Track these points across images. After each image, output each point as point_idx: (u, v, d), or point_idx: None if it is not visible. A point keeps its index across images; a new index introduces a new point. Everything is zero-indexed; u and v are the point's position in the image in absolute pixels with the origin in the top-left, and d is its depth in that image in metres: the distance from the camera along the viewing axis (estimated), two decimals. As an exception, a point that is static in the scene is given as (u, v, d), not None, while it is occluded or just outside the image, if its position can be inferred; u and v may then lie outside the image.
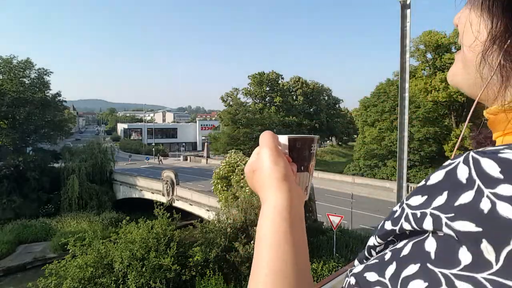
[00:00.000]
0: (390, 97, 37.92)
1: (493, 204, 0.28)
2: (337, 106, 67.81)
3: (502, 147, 0.32)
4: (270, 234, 0.49)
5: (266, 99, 58.92)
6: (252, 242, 13.69)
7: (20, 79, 32.34)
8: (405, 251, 0.33)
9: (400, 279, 0.31)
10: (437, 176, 0.33)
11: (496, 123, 0.41)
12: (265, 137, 0.58)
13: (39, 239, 24.55)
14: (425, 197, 0.33)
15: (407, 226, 0.34)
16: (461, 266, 0.28)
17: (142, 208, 25.53)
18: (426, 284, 0.29)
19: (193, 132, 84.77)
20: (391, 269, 0.33)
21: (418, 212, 0.33)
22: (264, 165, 0.55)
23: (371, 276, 0.34)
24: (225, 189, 19.82)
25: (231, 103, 51.77)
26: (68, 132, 43.96)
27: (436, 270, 0.29)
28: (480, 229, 0.27)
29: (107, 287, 11.91)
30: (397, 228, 0.35)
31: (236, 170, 19.68)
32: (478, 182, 0.30)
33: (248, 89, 58.16)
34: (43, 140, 35.37)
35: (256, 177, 0.57)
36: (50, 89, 35.10)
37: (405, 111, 7.37)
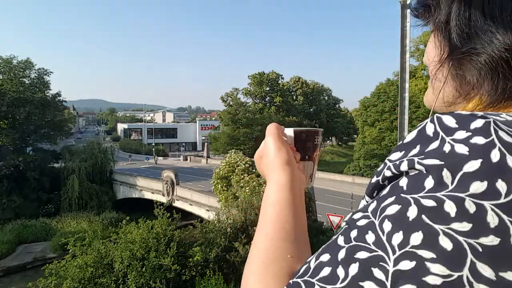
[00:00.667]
0: (390, 97, 37.93)
1: (452, 146, 0.37)
2: (337, 106, 67.82)
3: (460, 110, 0.42)
4: (275, 202, 0.57)
5: (266, 99, 58.91)
6: (252, 242, 13.69)
7: (20, 79, 32.34)
8: (384, 191, 0.41)
9: (379, 209, 0.39)
10: (411, 135, 0.42)
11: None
12: (271, 127, 0.66)
13: (39, 239, 24.54)
14: (403, 151, 0.41)
15: (388, 173, 0.42)
16: (426, 189, 0.36)
17: (142, 208, 25.52)
18: (400, 206, 0.37)
19: (193, 132, 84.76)
20: (372, 206, 0.41)
21: (397, 162, 0.41)
22: (269, 152, 0.63)
23: (357, 215, 0.42)
24: (225, 189, 19.83)
25: (231, 103, 51.75)
26: (68, 132, 43.96)
27: (407, 196, 0.37)
28: (442, 162, 0.36)
29: (107, 287, 11.91)
30: (380, 178, 0.43)
31: (236, 170, 19.68)
32: (441, 133, 0.39)
33: (248, 89, 58.15)
34: (43, 140, 35.37)
35: (263, 162, 0.66)
36: (50, 89, 35.13)
37: (405, 111, 7.37)
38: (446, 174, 0.36)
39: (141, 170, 37.99)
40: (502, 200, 0.32)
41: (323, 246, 0.43)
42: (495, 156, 0.34)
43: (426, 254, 0.33)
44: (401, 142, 0.43)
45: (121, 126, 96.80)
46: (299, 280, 0.42)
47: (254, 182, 17.54)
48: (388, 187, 0.41)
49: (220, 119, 52.58)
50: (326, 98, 66.45)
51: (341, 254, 0.39)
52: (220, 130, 51.40)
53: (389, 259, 0.35)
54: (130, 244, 12.72)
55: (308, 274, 0.41)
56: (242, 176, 19.02)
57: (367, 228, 0.39)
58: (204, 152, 52.17)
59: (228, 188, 19.68)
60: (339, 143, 72.46)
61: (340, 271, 0.38)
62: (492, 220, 0.32)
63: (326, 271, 0.39)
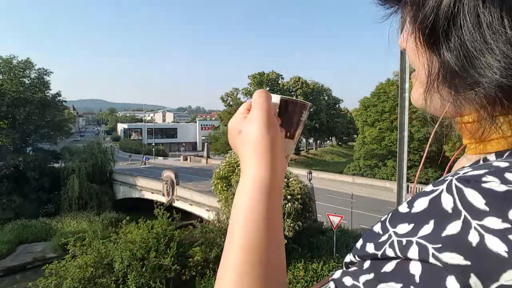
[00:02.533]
0: (390, 97, 37.93)
1: (482, 237, 0.27)
2: (337, 106, 67.81)
3: (482, 171, 0.32)
4: (247, 208, 0.48)
5: (266, 99, 58.93)
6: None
7: (20, 79, 32.36)
8: (388, 267, 0.32)
9: None
10: (421, 204, 0.32)
11: (464, 130, 0.42)
12: (261, 96, 0.54)
13: (39, 239, 24.53)
14: (412, 225, 0.32)
15: (390, 253, 0.32)
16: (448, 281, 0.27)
17: (142, 208, 25.51)
18: None
19: (193, 132, 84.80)
20: (367, 277, 0.33)
21: (404, 240, 0.31)
22: (254, 130, 0.51)
23: (347, 281, 0.35)
24: (225, 189, 19.81)
25: (231, 103, 51.80)
26: (68, 132, 43.95)
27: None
28: (469, 263, 0.27)
29: (107, 287, 11.91)
30: (379, 253, 0.34)
31: (236, 170, 19.67)
32: (464, 213, 0.29)
33: (248, 89, 58.17)
34: (43, 140, 35.38)
35: (241, 138, 0.53)
36: (50, 89, 35.15)
37: (405, 111, 7.37)
38: (475, 283, 0.27)
39: (141, 170, 38.01)
40: None
41: None
42: None
43: None
44: (407, 209, 0.33)
45: (121, 126, 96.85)
46: None
47: (254, 182, 17.54)
48: (394, 263, 0.32)
49: (220, 119, 52.63)
50: (326, 98, 66.45)
51: None
52: (220, 130, 51.43)
53: None
54: (130, 244, 12.73)
55: None
56: (242, 176, 19.01)
57: None
58: (204, 152, 52.16)
59: (228, 188, 19.66)
60: (339, 143, 72.49)
61: None
62: None
63: None
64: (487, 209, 0.28)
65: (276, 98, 0.58)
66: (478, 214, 0.28)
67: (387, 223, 0.34)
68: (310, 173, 25.24)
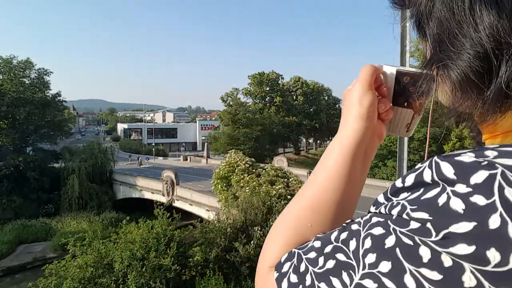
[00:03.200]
0: (390, 97, 37.94)
1: (449, 199, 0.34)
2: (337, 106, 67.78)
3: (463, 151, 0.38)
4: (328, 169, 0.57)
5: (266, 99, 58.91)
6: (252, 242, 13.69)
7: (20, 79, 32.38)
8: (381, 210, 0.42)
9: (368, 224, 0.42)
10: (410, 178, 0.40)
11: (484, 125, 0.46)
12: (364, 71, 0.60)
13: (39, 239, 24.54)
14: (406, 193, 0.40)
15: (382, 210, 0.41)
16: (408, 228, 0.36)
17: (142, 208, 25.51)
18: (383, 231, 0.39)
19: (193, 132, 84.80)
20: (366, 217, 0.44)
21: (395, 202, 0.40)
22: (351, 98, 0.59)
23: (357, 219, 0.46)
24: (225, 189, 19.82)
25: (231, 103, 51.73)
26: (68, 132, 43.97)
27: (392, 225, 0.38)
28: (430, 218, 0.35)
29: (107, 287, 11.91)
30: (377, 211, 0.43)
31: (236, 170, 19.68)
32: (441, 182, 0.36)
33: (248, 89, 58.16)
34: (43, 140, 35.39)
35: (345, 104, 0.62)
36: (50, 89, 35.20)
37: (405, 111, 7.36)
38: (429, 228, 0.35)
39: (141, 170, 38.01)
40: (488, 268, 0.31)
41: (325, 233, 0.50)
42: (493, 222, 0.31)
43: (389, 283, 0.36)
44: (401, 184, 0.41)
45: (121, 126, 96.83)
46: (297, 251, 0.50)
47: (254, 182, 17.53)
48: (384, 210, 0.41)
49: (220, 119, 52.59)
50: (326, 98, 66.48)
51: (328, 248, 0.45)
52: (220, 130, 51.41)
53: (358, 272, 0.39)
54: (130, 244, 12.73)
55: (303, 250, 0.49)
56: (242, 176, 19.02)
57: (353, 235, 0.42)
58: (204, 152, 52.14)
59: (228, 188, 19.67)
60: (339, 143, 72.39)
61: (321, 260, 0.44)
62: (469, 280, 0.32)
63: (312, 254, 0.47)
64: (455, 177, 0.35)
65: (390, 69, 0.60)
66: (449, 182, 0.35)
67: (388, 194, 0.43)
68: (310, 173, 25.27)
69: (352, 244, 0.42)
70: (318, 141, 73.17)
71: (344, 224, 0.47)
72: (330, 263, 0.43)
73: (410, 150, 33.71)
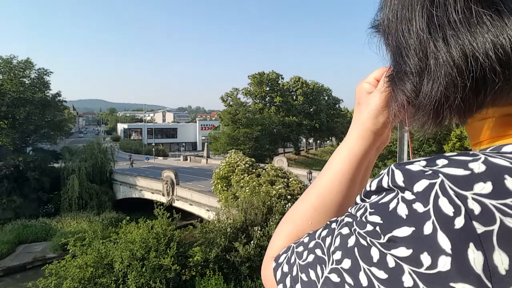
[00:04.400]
0: (390, 97, 37.89)
1: (397, 204, 0.38)
2: (337, 106, 67.78)
3: (418, 159, 0.41)
4: (335, 172, 0.62)
5: (266, 99, 58.87)
6: (252, 242, 13.69)
7: (20, 79, 32.36)
8: (352, 210, 0.47)
9: (340, 223, 0.47)
10: (374, 184, 0.44)
11: (470, 132, 0.51)
12: (377, 72, 0.62)
13: (39, 239, 24.54)
14: (373, 196, 0.44)
15: (353, 211, 0.46)
16: (365, 230, 0.40)
17: (142, 208, 25.52)
18: (348, 232, 0.44)
19: (193, 132, 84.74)
20: (341, 217, 0.49)
21: (362, 205, 0.44)
22: (365, 112, 0.61)
23: (338, 218, 0.50)
24: (225, 189, 19.82)
25: (231, 103, 51.70)
26: (68, 132, 43.95)
27: (354, 226, 0.43)
28: (381, 222, 0.39)
29: (107, 287, 11.91)
30: (350, 212, 0.48)
31: (236, 170, 19.68)
32: (394, 188, 0.40)
33: (248, 89, 58.12)
34: (43, 140, 35.38)
35: (358, 108, 0.64)
36: (50, 89, 35.17)
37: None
38: (377, 231, 0.38)
39: (141, 170, 37.98)
40: (421, 270, 0.34)
41: (316, 230, 0.54)
42: (427, 229, 0.34)
43: (348, 279, 0.41)
44: (368, 188, 0.45)
45: (121, 126, 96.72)
46: (293, 244, 0.56)
47: (254, 182, 17.53)
48: (354, 211, 0.46)
49: (220, 119, 52.54)
50: (326, 98, 66.41)
51: (311, 244, 0.50)
52: (220, 130, 51.37)
53: (327, 266, 0.45)
54: (130, 244, 12.72)
55: (296, 244, 0.55)
56: (242, 176, 19.02)
57: (329, 233, 0.48)
58: (204, 152, 52.13)
59: (228, 188, 19.67)
60: (339, 143, 71.99)
61: (305, 254, 0.50)
62: (407, 281, 0.35)
63: (301, 248, 0.52)
64: (403, 185, 0.38)
65: None
66: (400, 188, 0.39)
67: (362, 195, 0.46)
68: (310, 173, 25.21)
69: (328, 240, 0.47)
70: (318, 141, 73.11)
71: (328, 222, 0.52)
72: (310, 257, 0.49)
73: (410, 150, 33.60)
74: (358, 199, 0.47)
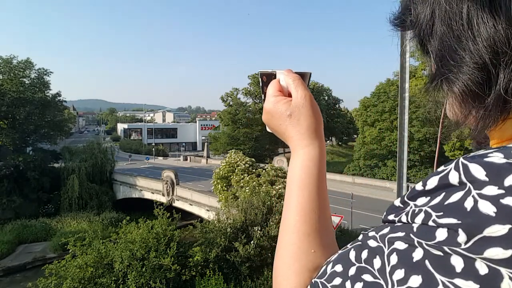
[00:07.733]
0: (390, 97, 37.93)
1: (476, 202, 0.33)
2: (337, 106, 67.74)
3: (489, 150, 0.37)
4: (302, 186, 0.59)
5: (266, 99, 58.89)
6: (252, 242, 13.68)
7: (20, 79, 32.37)
8: (399, 223, 0.41)
9: (388, 238, 0.40)
10: (433, 181, 0.39)
11: (492, 132, 0.46)
12: (298, 80, 0.65)
13: (39, 239, 24.56)
14: (428, 198, 0.39)
15: (403, 219, 0.40)
16: (436, 240, 0.35)
17: (142, 208, 25.51)
18: (407, 245, 0.37)
19: (193, 132, 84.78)
20: (384, 231, 0.42)
21: (417, 209, 0.39)
22: (302, 114, 0.63)
23: (371, 233, 0.44)
24: (225, 189, 19.82)
25: (231, 103, 51.71)
26: (68, 132, 43.95)
27: (416, 238, 0.37)
28: (459, 222, 0.33)
29: (107, 287, 11.90)
30: (396, 219, 0.42)
31: (236, 170, 19.68)
32: (468, 185, 0.35)
33: (248, 89, 58.08)
34: (43, 140, 35.39)
35: (292, 119, 0.64)
36: (50, 89, 35.19)
37: (405, 111, 7.36)
38: (460, 234, 0.33)
39: (141, 170, 37.99)
40: None
41: (338, 253, 0.49)
42: None
43: None
44: (421, 187, 0.40)
45: (121, 126, 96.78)
46: (319, 280, 0.48)
47: (254, 182, 17.53)
48: (403, 221, 0.40)
49: (220, 119, 52.55)
50: (326, 98, 66.40)
51: (351, 271, 0.43)
52: (220, 130, 51.39)
53: None
54: (130, 244, 12.72)
55: (324, 278, 0.47)
56: (242, 176, 19.02)
57: (375, 252, 0.41)
58: (204, 152, 52.15)
59: (228, 188, 19.67)
60: (339, 143, 72.46)
61: (348, 285, 0.42)
62: (508, 287, 0.30)
63: (337, 280, 0.44)
64: (487, 179, 0.34)
65: (278, 73, 0.68)
66: (479, 184, 0.34)
67: (406, 198, 0.42)
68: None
69: (377, 262, 0.40)
70: (318, 141, 73.05)
71: (359, 242, 0.46)
72: (358, 286, 0.41)
73: (410, 150, 33.69)
74: (398, 202, 0.42)
